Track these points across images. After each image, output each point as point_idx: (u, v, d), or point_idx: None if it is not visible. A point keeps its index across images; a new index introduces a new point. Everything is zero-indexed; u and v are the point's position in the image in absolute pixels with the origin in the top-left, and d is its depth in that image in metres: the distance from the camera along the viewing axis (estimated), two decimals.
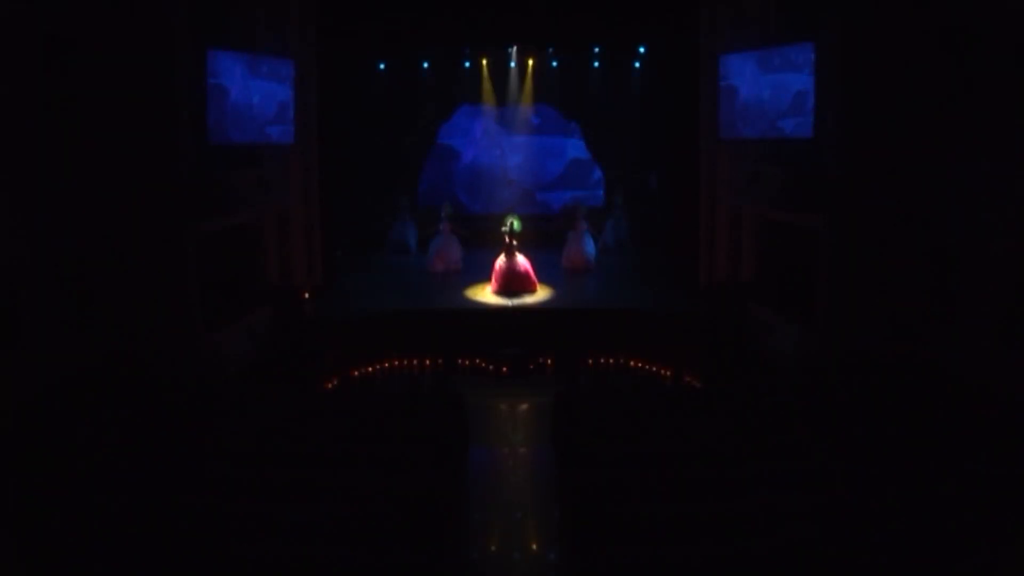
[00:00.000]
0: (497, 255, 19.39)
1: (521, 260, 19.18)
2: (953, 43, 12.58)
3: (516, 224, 19.69)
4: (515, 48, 23.82)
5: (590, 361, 16.74)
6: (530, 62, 24.11)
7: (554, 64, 24.21)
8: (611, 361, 16.74)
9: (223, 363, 14.95)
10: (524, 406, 15.35)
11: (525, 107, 24.86)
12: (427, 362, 16.72)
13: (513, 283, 18.92)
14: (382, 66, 23.68)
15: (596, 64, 24.07)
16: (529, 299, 18.67)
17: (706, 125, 18.50)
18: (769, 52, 16.37)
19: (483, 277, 19.79)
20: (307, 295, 18.23)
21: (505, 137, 25.35)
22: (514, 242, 19.28)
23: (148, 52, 13.47)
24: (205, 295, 14.72)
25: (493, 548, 10.08)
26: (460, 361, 16.78)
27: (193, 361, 14.16)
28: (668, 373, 16.42)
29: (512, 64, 24.13)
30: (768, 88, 16.35)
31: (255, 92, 16.39)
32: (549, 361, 16.86)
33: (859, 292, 14.17)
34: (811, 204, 14.93)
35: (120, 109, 13.28)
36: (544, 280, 19.61)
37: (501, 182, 25.39)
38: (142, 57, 13.41)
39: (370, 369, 16.63)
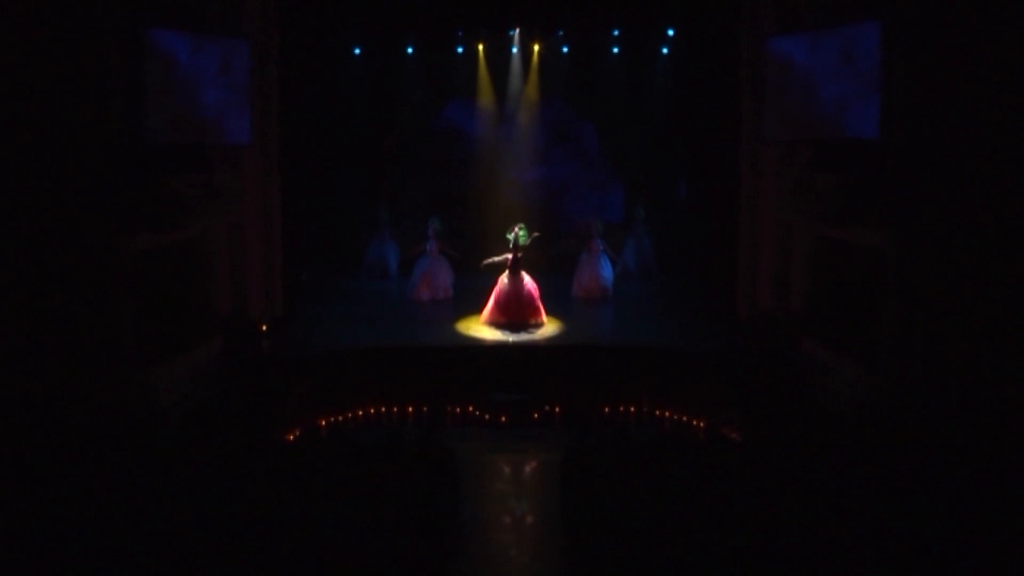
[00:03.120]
0: (498, 274, 19.26)
1: (528, 282, 19.09)
2: None
3: (523, 234, 19.44)
4: (518, 31, 23.90)
5: (606, 409, 16.67)
6: (536, 48, 24.18)
7: (565, 50, 24.28)
8: (632, 410, 16.68)
9: (160, 409, 14.78)
10: (527, 464, 15.26)
11: (529, 102, 24.87)
12: (409, 410, 16.66)
13: (517, 312, 18.82)
14: (357, 51, 23.74)
15: (615, 50, 24.12)
16: (533, 333, 18.57)
17: (748, 123, 18.50)
18: (826, 34, 16.32)
19: (477, 307, 19.67)
20: (264, 327, 18.19)
21: (506, 138, 25.36)
22: (519, 255, 19.14)
23: (72, 30, 13.40)
24: (139, 325, 14.59)
25: None
26: (449, 409, 16.71)
27: (123, 407, 14.00)
28: (701, 424, 16.32)
29: (514, 50, 24.21)
30: (824, 78, 16.30)
31: (203, 81, 16.35)
32: (557, 409, 16.77)
33: (934, 325, 14.02)
34: (876, 218, 14.82)
35: (39, 101, 13.20)
36: (552, 311, 19.53)
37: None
38: (64, 36, 13.34)
39: (340, 418, 16.56)
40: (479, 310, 19.44)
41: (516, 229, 19.38)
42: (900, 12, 14.35)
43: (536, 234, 19.61)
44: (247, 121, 17.51)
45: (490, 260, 19.38)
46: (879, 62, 15.14)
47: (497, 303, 18.95)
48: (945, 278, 13.99)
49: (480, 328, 18.88)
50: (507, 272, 19.12)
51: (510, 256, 19.12)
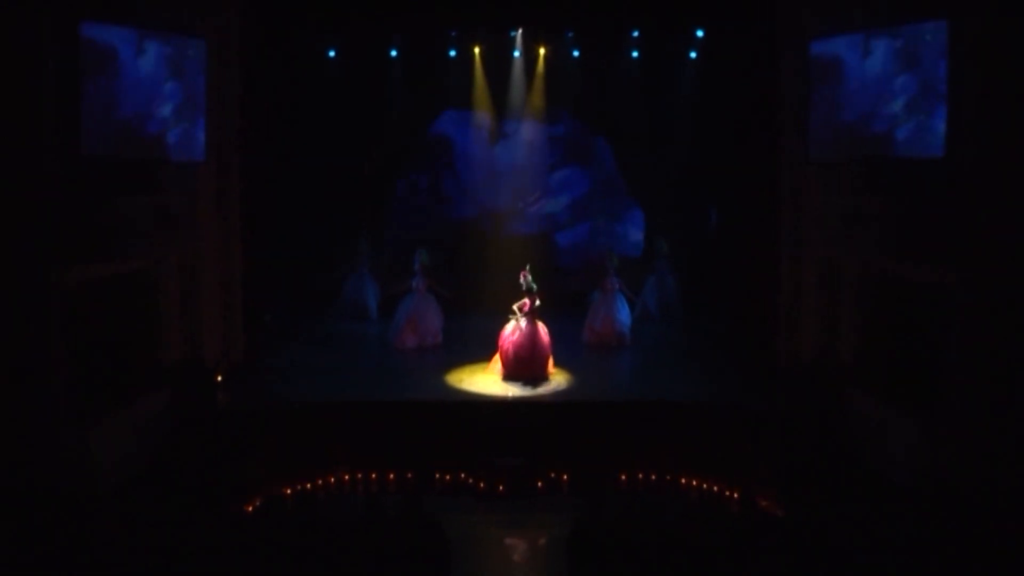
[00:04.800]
0: (515, 316, 19.15)
1: (543, 333, 19.06)
2: None
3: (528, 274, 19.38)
4: (520, 32, 24.00)
5: (622, 477, 16.55)
6: (541, 51, 24.29)
7: (575, 55, 24.33)
8: (652, 477, 16.56)
9: (97, 473, 14.69)
10: (529, 542, 15.22)
11: (533, 115, 24.95)
12: (391, 476, 16.55)
13: (528, 367, 18.80)
14: (332, 53, 23.80)
15: (634, 54, 24.20)
16: (537, 387, 18.53)
17: (788, 140, 18.50)
18: (881, 35, 16.35)
19: (472, 355, 19.70)
20: (221, 377, 18.11)
21: (505, 157, 25.43)
22: (538, 303, 19.06)
23: None
24: (73, 374, 14.54)
25: None
26: (438, 475, 16.61)
27: (53, 470, 13.93)
28: (734, 495, 16.14)
29: (516, 54, 24.28)
30: (878, 86, 16.32)
31: (150, 86, 16.36)
32: (564, 476, 16.67)
33: (1010, 377, 13.99)
34: (940, 251, 14.82)
35: None
36: (560, 360, 19.50)
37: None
38: None
39: (309, 486, 16.41)
40: (473, 359, 19.41)
41: (525, 273, 19.26)
42: (971, 8, 14.37)
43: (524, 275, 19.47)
44: (202, 134, 17.51)
45: (516, 306, 19.18)
46: (946, 67, 15.16)
47: (512, 355, 18.85)
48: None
49: (475, 380, 18.78)
50: (522, 317, 19.04)
51: (527, 302, 19.03)
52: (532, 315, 18.97)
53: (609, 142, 25.50)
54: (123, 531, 12.10)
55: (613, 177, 25.76)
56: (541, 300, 19.08)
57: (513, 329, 18.99)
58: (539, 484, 16.55)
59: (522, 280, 19.16)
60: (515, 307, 19.06)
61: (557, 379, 18.90)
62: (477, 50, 24.26)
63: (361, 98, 24.33)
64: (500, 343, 19.07)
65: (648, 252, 24.88)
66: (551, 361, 19.12)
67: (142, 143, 16.40)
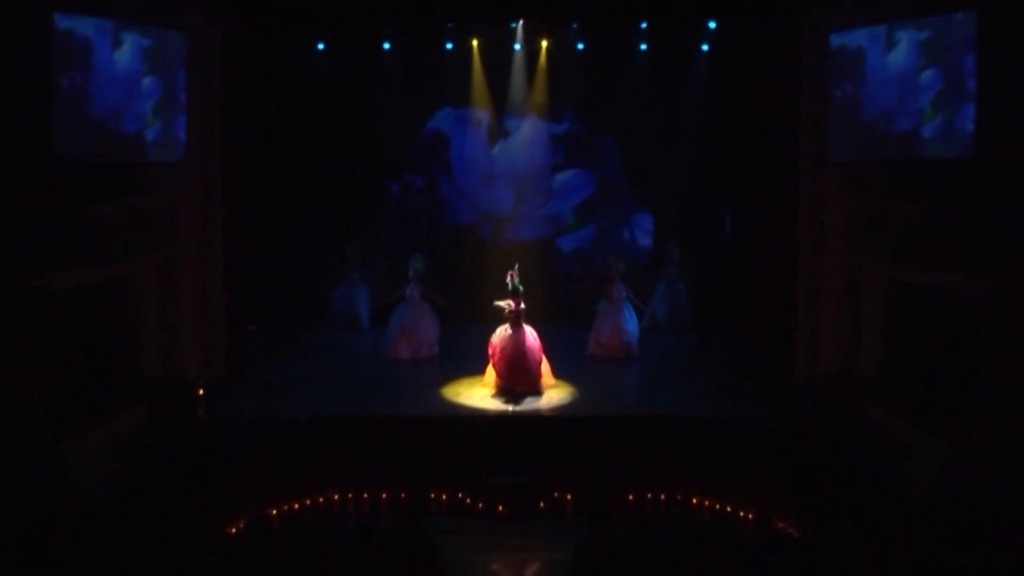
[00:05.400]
0: (501, 327, 19.18)
1: (532, 337, 19.01)
2: None
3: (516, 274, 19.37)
4: (521, 24, 23.99)
5: (630, 496, 16.63)
6: (543, 44, 24.29)
7: (579, 47, 24.36)
8: (661, 497, 16.64)
9: (72, 492, 14.69)
10: (530, 566, 15.32)
11: (534, 112, 24.96)
12: (384, 496, 16.60)
13: (520, 374, 18.76)
14: (321, 47, 23.82)
15: (643, 47, 24.21)
16: (539, 401, 18.52)
17: (807, 140, 18.55)
18: (906, 26, 16.35)
19: (469, 367, 19.76)
20: (202, 391, 18.13)
21: (505, 157, 25.44)
22: (523, 306, 19.07)
23: None
24: (46, 388, 14.52)
25: None
26: (434, 495, 16.67)
27: (25, 489, 13.90)
28: (749, 516, 16.22)
29: (517, 47, 24.28)
30: (904, 82, 16.33)
31: (128, 82, 16.36)
32: (568, 496, 16.72)
33: None
34: (970, 259, 14.80)
35: None
36: (563, 373, 19.53)
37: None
38: None
39: (297, 506, 16.48)
40: (471, 371, 19.46)
41: (513, 273, 19.24)
42: None
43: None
44: (183, 133, 17.54)
45: (500, 303, 19.23)
46: (974, 60, 15.14)
47: (500, 366, 18.84)
48: None
49: (472, 394, 18.83)
50: (507, 326, 19.04)
51: (512, 304, 19.02)
52: (518, 320, 18.94)
53: (616, 141, 25.50)
54: (99, 554, 12.05)
55: (620, 179, 25.77)
56: (527, 304, 19.05)
57: (500, 339, 18.97)
58: (541, 504, 16.61)
59: (508, 281, 19.13)
60: (499, 304, 19.06)
61: (560, 392, 18.92)
62: (475, 43, 24.28)
63: (352, 94, 24.36)
64: (489, 355, 19.06)
65: (657, 258, 24.90)
66: (548, 369, 19.13)
67: (119, 142, 16.37)
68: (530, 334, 18.97)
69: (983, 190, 14.68)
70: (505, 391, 18.63)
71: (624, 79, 24.57)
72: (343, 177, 24.76)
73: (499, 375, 18.82)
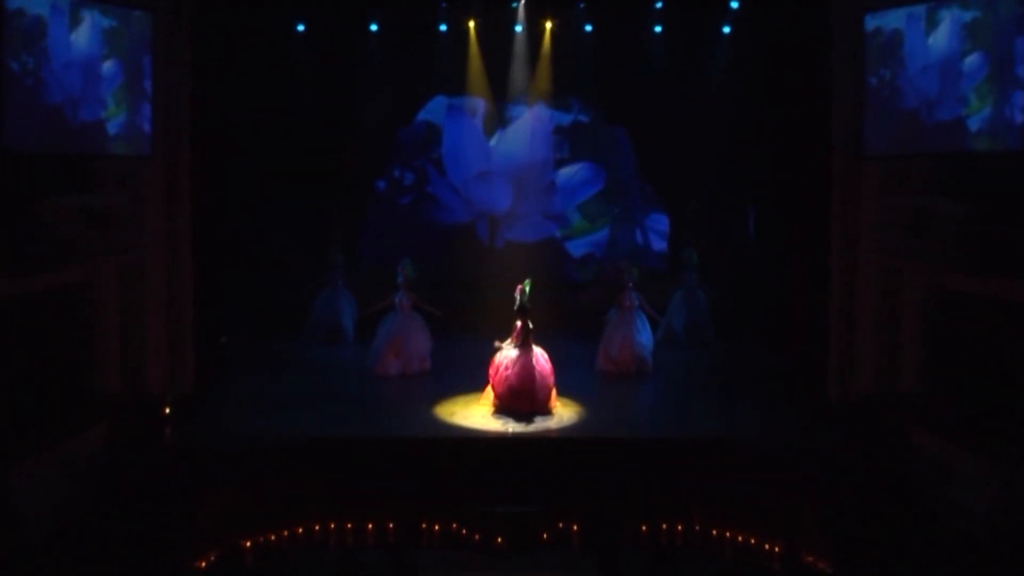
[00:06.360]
0: (505, 344, 19.14)
1: (543, 360, 18.99)
2: None
3: (527, 290, 19.31)
4: (523, 3, 24.07)
5: (643, 527, 16.48)
6: (547, 26, 24.34)
7: (587, 29, 24.39)
8: (678, 528, 16.48)
9: (20, 522, 14.62)
10: None
11: (537, 101, 24.99)
12: (370, 526, 16.46)
13: (525, 401, 18.72)
14: (302, 28, 23.82)
15: (657, 29, 24.23)
16: (542, 422, 18.50)
17: (841, 131, 18.52)
18: (949, 5, 16.37)
19: (464, 384, 19.74)
20: (168, 409, 18.08)
21: (503, 150, 25.46)
22: (530, 324, 19.01)
23: None
24: None
25: None
26: (425, 525, 16.49)
27: None
28: (775, 549, 16.10)
29: (518, 29, 24.31)
30: (947, 67, 16.33)
31: (86, 67, 16.38)
32: (574, 527, 16.56)
33: None
34: (1022, 263, 14.78)
35: None
36: (569, 390, 19.51)
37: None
38: None
39: (273, 537, 16.32)
40: (466, 388, 19.46)
41: (521, 287, 19.10)
42: None
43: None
44: (147, 124, 17.57)
45: (505, 342, 19.10)
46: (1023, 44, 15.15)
47: (503, 383, 18.73)
48: None
49: (468, 413, 18.76)
50: (513, 340, 18.96)
51: (518, 324, 18.97)
52: (526, 341, 18.87)
53: (627, 133, 25.53)
54: None
55: (632, 174, 25.82)
56: (531, 323, 18.95)
57: (504, 361, 18.88)
58: (544, 536, 16.45)
59: (516, 296, 19.01)
60: (499, 344, 19.02)
61: (566, 412, 18.85)
62: (472, 24, 24.38)
63: (335, 81, 24.42)
64: (491, 376, 19.00)
65: (674, 263, 24.89)
66: (554, 393, 19.07)
67: (76, 134, 16.42)
68: (541, 356, 18.88)
69: None
70: (508, 411, 18.56)
71: (637, 64, 24.63)
72: (324, 173, 24.76)
73: (500, 400, 18.76)
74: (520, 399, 18.63)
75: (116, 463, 16.87)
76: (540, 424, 18.35)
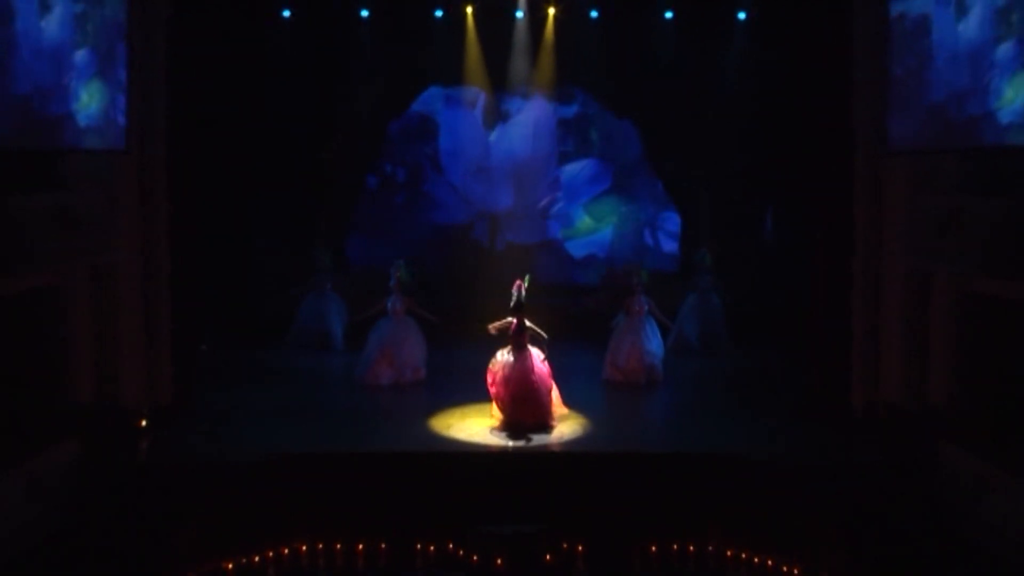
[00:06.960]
0: (500, 350, 19.14)
1: (538, 361, 18.96)
2: None
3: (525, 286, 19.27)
4: None
5: (652, 548, 16.49)
6: (550, 12, 24.36)
7: (593, 15, 24.38)
8: (690, 548, 16.51)
9: None
10: None
11: (539, 92, 24.98)
12: (360, 547, 16.48)
13: (527, 408, 18.71)
14: (287, 13, 23.79)
15: (668, 15, 24.20)
16: (546, 435, 18.51)
17: (863, 126, 18.54)
18: None
19: (461, 395, 19.83)
20: (144, 422, 18.02)
21: (504, 146, 25.46)
22: (526, 323, 18.99)
23: None
24: None
25: None
26: (420, 546, 16.53)
27: None
28: (794, 571, 16.17)
29: (519, 14, 24.29)
30: (979, 54, 16.27)
31: (55, 55, 16.32)
32: (579, 548, 16.58)
33: None
34: None
35: None
36: (574, 401, 19.50)
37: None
38: None
39: (257, 559, 16.34)
40: (463, 399, 19.53)
41: (521, 283, 19.11)
42: None
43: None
44: (122, 117, 17.53)
45: (497, 324, 19.13)
46: None
47: (503, 393, 18.71)
48: None
49: (466, 426, 18.81)
50: (510, 346, 18.95)
51: (513, 322, 18.94)
52: (521, 341, 18.83)
53: (636, 126, 25.48)
54: None
55: (641, 171, 25.79)
56: (526, 322, 18.90)
57: (500, 366, 18.88)
58: (547, 557, 16.46)
59: (515, 292, 18.96)
60: (491, 327, 19.01)
61: (571, 424, 18.88)
62: (469, 10, 24.38)
63: (323, 71, 24.44)
64: (488, 384, 18.98)
65: (686, 265, 24.90)
66: (558, 398, 19.04)
67: (45, 126, 16.34)
68: (536, 357, 18.86)
69: None
70: (511, 426, 18.53)
71: (646, 52, 24.69)
72: (311, 169, 24.80)
73: (501, 409, 18.73)
74: (519, 405, 18.61)
75: (88, 480, 16.90)
76: (543, 438, 18.35)
